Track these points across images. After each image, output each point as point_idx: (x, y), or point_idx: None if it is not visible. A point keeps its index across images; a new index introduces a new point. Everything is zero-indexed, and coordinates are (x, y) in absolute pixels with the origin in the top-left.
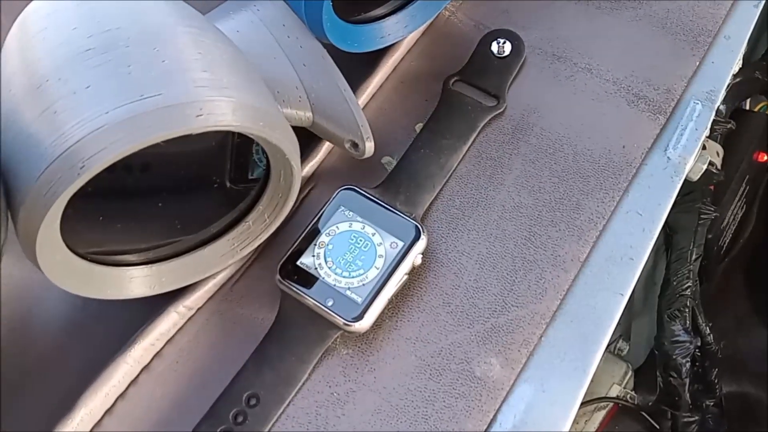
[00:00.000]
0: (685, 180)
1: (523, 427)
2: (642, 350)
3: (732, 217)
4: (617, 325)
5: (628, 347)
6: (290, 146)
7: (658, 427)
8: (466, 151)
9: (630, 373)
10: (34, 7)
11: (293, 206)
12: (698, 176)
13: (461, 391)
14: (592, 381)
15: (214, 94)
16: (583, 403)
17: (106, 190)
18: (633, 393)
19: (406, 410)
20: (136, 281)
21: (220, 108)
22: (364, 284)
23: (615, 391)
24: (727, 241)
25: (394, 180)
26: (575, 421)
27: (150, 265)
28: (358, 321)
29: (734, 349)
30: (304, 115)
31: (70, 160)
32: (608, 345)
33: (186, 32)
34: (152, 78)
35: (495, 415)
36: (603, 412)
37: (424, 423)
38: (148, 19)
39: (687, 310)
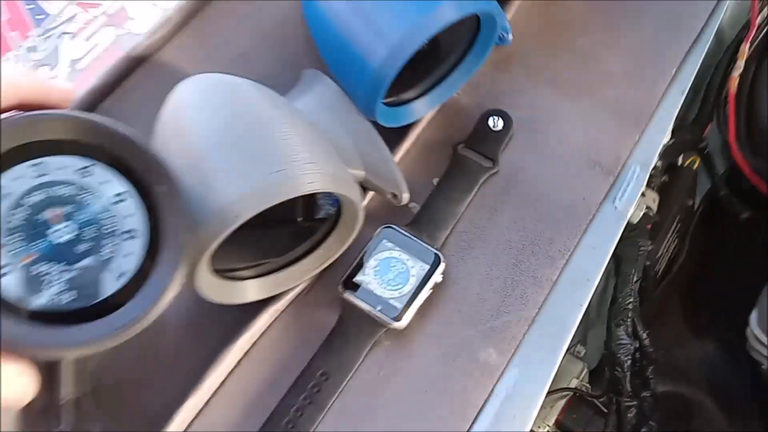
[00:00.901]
0: (628, 222)
1: (512, 397)
2: (596, 353)
3: (665, 248)
4: (577, 332)
5: (584, 350)
6: (358, 198)
7: (606, 410)
8: (470, 200)
9: (586, 370)
10: (178, 106)
11: None
12: (638, 219)
13: (468, 372)
14: (557, 377)
15: (314, 168)
16: (551, 392)
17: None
18: (588, 385)
19: (431, 385)
20: (249, 290)
21: (319, 177)
22: (402, 295)
23: (574, 383)
24: (662, 267)
25: (419, 221)
26: (544, 406)
27: (257, 279)
28: (397, 321)
29: (671, 357)
30: (358, 174)
31: (226, 214)
32: (570, 347)
33: (287, 121)
34: (275, 157)
35: (492, 389)
36: (564, 400)
37: (444, 393)
38: (263, 112)
39: (629, 320)
